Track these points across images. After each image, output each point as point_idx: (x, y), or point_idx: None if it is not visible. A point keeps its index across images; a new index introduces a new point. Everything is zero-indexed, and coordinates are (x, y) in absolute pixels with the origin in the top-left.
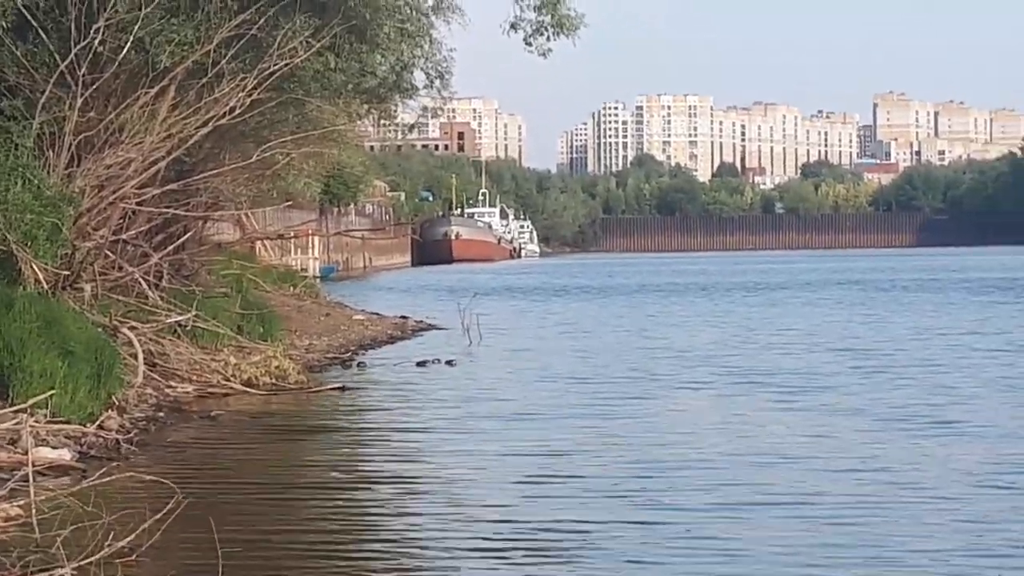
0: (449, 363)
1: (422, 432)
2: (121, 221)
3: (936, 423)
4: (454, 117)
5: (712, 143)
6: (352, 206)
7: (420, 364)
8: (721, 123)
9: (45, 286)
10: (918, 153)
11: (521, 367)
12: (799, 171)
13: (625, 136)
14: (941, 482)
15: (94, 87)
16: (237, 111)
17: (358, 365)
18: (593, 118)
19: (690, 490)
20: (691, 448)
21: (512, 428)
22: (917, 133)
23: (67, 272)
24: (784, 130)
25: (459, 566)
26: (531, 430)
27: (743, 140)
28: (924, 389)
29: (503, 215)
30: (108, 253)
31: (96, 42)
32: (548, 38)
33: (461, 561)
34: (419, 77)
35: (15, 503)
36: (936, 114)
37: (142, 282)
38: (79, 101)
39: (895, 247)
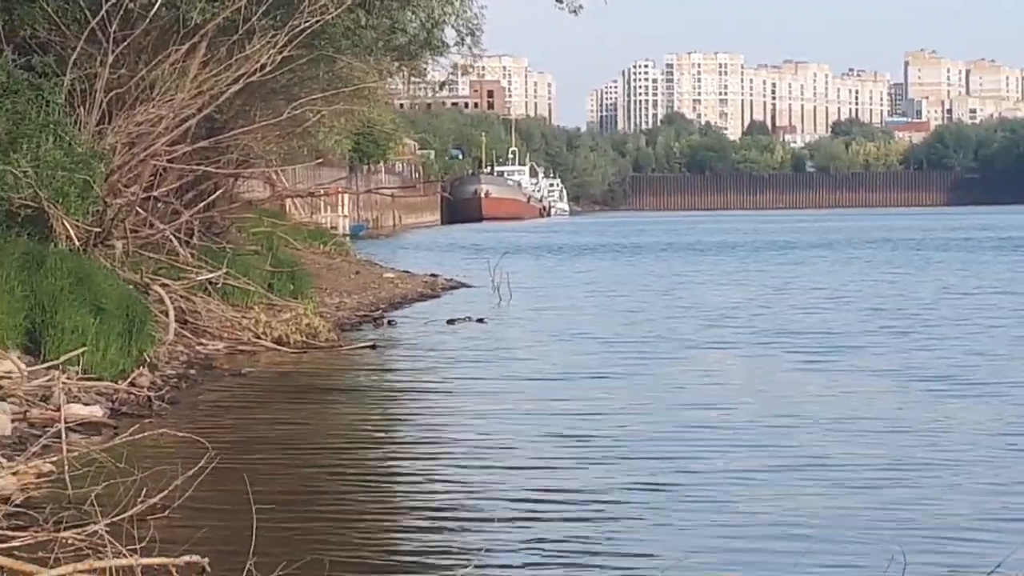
0: (480, 321)
1: (452, 392)
2: (152, 178)
3: (962, 383)
4: (484, 75)
5: (742, 101)
6: (382, 164)
7: (450, 322)
8: (751, 81)
9: (76, 243)
10: (949, 111)
11: (550, 326)
12: (829, 129)
13: (655, 94)
14: (965, 444)
15: (125, 44)
16: (268, 68)
17: (388, 323)
18: (623, 76)
19: (713, 454)
20: (716, 409)
21: (540, 388)
22: (948, 91)
23: (98, 229)
24: (815, 88)
25: (488, 527)
26: (560, 390)
27: (773, 98)
28: (951, 349)
29: (533, 173)
30: (139, 210)
31: None
32: None
33: (489, 523)
34: (449, 34)
35: (48, 459)
36: (967, 72)
37: (173, 239)
38: (110, 58)
39: (926, 206)
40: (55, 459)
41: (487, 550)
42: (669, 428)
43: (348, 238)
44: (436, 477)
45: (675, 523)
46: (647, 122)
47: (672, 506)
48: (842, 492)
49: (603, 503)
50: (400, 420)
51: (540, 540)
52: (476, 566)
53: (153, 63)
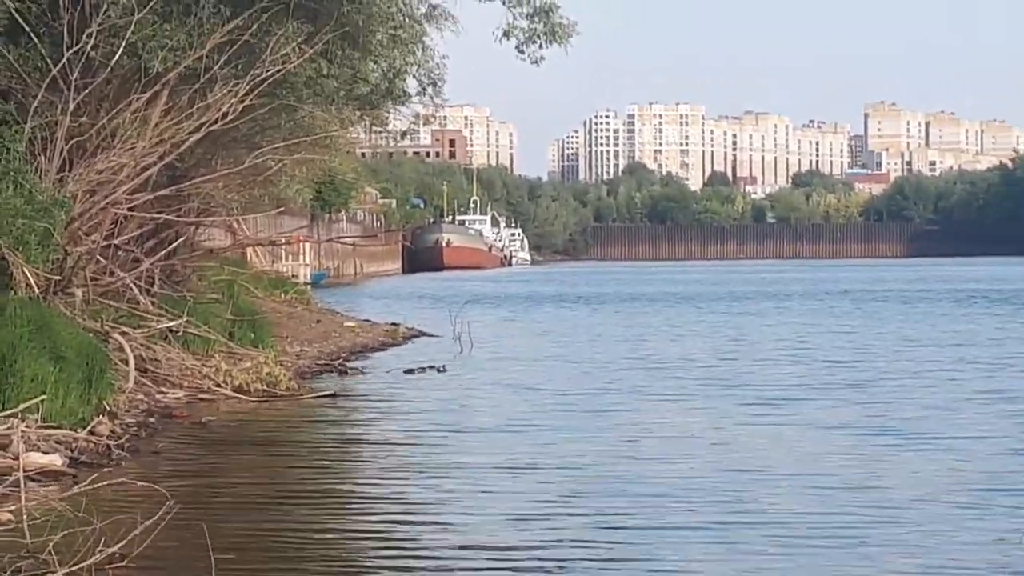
0: (440, 370)
1: (414, 442)
2: (113, 226)
3: (915, 436)
4: (446, 124)
5: (703, 152)
6: (343, 213)
7: (409, 372)
8: (712, 132)
9: (36, 291)
10: (909, 163)
11: (509, 376)
12: (790, 180)
13: (616, 144)
14: (918, 498)
15: (86, 92)
16: (229, 117)
17: (349, 372)
18: (585, 126)
19: (667, 511)
20: (669, 464)
21: (502, 440)
22: (908, 143)
23: (58, 277)
24: (775, 139)
25: None
26: (520, 442)
27: (734, 149)
28: (906, 401)
29: (494, 223)
30: (100, 258)
31: (89, 47)
32: (540, 46)
33: (452, 573)
34: (411, 84)
35: (6, 508)
36: (927, 124)
37: (133, 287)
38: (71, 106)
39: (886, 257)
40: (13, 508)
41: None
42: (619, 482)
43: (309, 287)
44: (395, 532)
45: None
46: (609, 172)
47: (609, 566)
48: (792, 548)
49: (558, 561)
50: (359, 472)
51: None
52: None
53: (114, 111)
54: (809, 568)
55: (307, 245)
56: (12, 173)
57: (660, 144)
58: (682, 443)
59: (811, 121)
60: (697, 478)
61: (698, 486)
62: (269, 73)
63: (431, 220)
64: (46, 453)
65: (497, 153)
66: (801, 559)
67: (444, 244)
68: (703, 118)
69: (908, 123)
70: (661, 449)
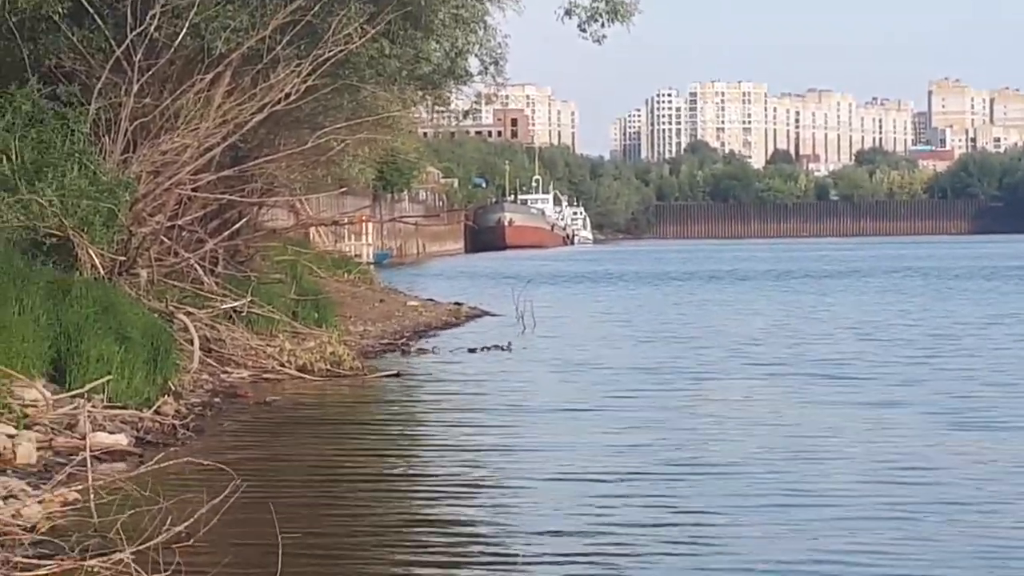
0: (504, 348)
1: (477, 422)
2: (176, 207)
3: (973, 419)
4: (508, 103)
5: (766, 130)
6: (406, 192)
7: (472, 351)
8: (775, 110)
9: (101, 272)
10: (973, 140)
11: (572, 356)
12: (853, 158)
13: (678, 123)
14: (976, 478)
15: (150, 73)
16: (292, 97)
17: (412, 351)
18: (646, 105)
19: (723, 492)
20: (727, 444)
21: (565, 421)
22: (972, 120)
23: (123, 258)
24: (838, 117)
25: (514, 567)
26: (581, 423)
27: (797, 127)
28: (972, 382)
29: (556, 202)
30: (164, 239)
31: (152, 28)
32: (602, 24)
33: (513, 563)
34: (473, 63)
35: (73, 487)
36: (992, 101)
37: (197, 268)
38: (135, 87)
39: (950, 234)
40: (81, 487)
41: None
42: (687, 467)
43: (372, 266)
44: (462, 513)
45: (685, 565)
46: (671, 151)
47: (679, 548)
48: (849, 529)
49: (622, 547)
50: (426, 452)
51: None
52: None
53: (178, 92)
54: (867, 548)
55: (370, 225)
56: (77, 155)
57: (722, 122)
58: (744, 423)
59: (874, 98)
60: (759, 459)
61: (760, 467)
62: (332, 53)
63: (493, 199)
64: (112, 433)
65: (559, 132)
66: (860, 538)
67: (506, 223)
68: (765, 96)
69: (972, 99)
70: (723, 429)
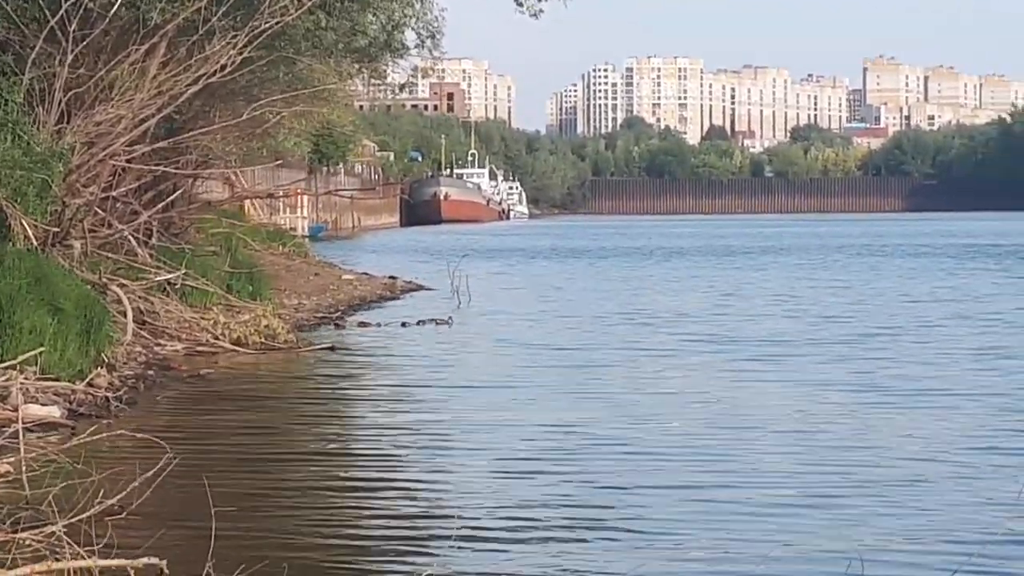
0: (440, 322)
1: (409, 397)
2: (111, 178)
3: (907, 393)
4: (444, 77)
5: (702, 106)
6: (341, 166)
7: (405, 324)
8: (711, 86)
9: (34, 242)
10: (908, 118)
11: (507, 331)
12: (788, 135)
13: (615, 98)
14: (907, 457)
15: (84, 43)
16: (228, 69)
17: (342, 325)
18: (583, 80)
19: (653, 470)
20: (659, 423)
21: (495, 396)
22: (907, 98)
23: (56, 229)
24: (774, 93)
25: (445, 544)
26: (513, 398)
27: (733, 103)
28: (899, 358)
29: (492, 176)
30: (98, 210)
31: None
32: None
33: (447, 538)
34: (410, 36)
35: (5, 460)
36: (926, 79)
37: (131, 240)
38: (69, 57)
39: (884, 212)
40: (12, 460)
41: (448, 548)
42: (609, 442)
43: (307, 239)
44: (394, 485)
45: (621, 540)
46: (607, 126)
47: (615, 524)
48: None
49: (553, 521)
50: (359, 422)
51: (508, 531)
52: None
53: (112, 63)
54: (794, 529)
55: (305, 198)
56: (10, 124)
57: (658, 98)
58: (672, 400)
59: (810, 75)
60: (687, 436)
61: (688, 445)
62: (268, 25)
63: (429, 173)
64: (44, 405)
65: (495, 106)
66: (787, 520)
67: (442, 197)
68: (701, 72)
69: (907, 77)
70: (651, 407)
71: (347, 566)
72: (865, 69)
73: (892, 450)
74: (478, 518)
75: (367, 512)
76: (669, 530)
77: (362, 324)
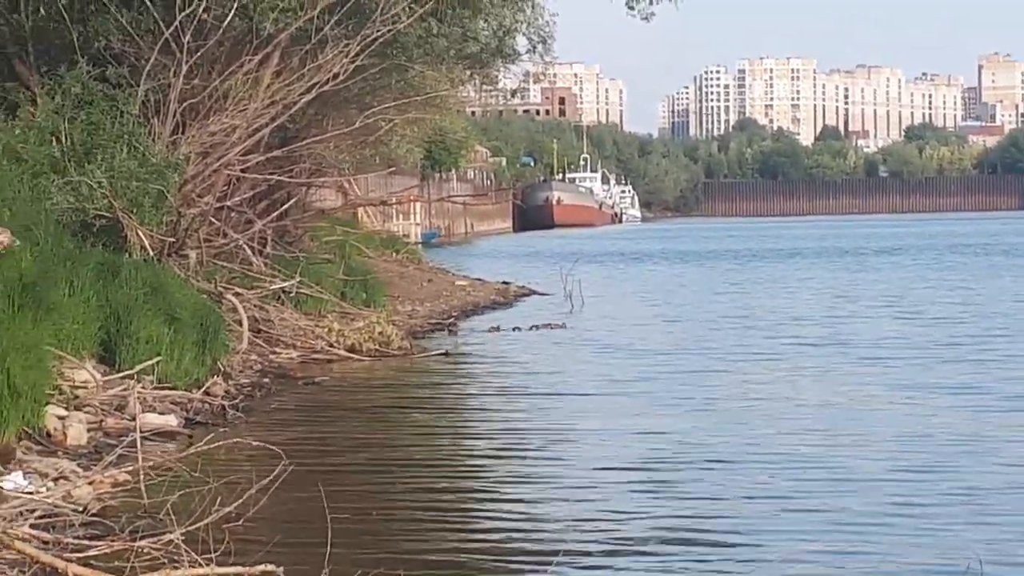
0: (554, 327)
1: (523, 404)
2: (225, 188)
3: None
4: (555, 82)
5: (815, 106)
6: (454, 172)
7: (518, 329)
8: (824, 86)
9: (151, 253)
10: (1023, 115)
11: (620, 336)
12: (903, 134)
13: (727, 100)
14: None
15: (199, 54)
16: (340, 77)
17: (499, 328)
18: (695, 82)
19: (753, 478)
20: (764, 430)
21: (609, 403)
22: (1022, 95)
23: (172, 239)
24: (887, 93)
25: (562, 548)
26: (627, 406)
27: (846, 103)
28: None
29: (604, 180)
30: (213, 220)
31: (200, 9)
32: (650, 2)
33: (563, 544)
34: (521, 42)
35: (123, 468)
36: None
37: (246, 248)
38: (184, 68)
39: (1001, 210)
40: (131, 468)
41: (565, 552)
42: (730, 448)
43: (420, 246)
44: (514, 485)
45: (727, 554)
46: (719, 128)
47: (718, 538)
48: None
49: (667, 532)
50: (475, 432)
51: (624, 542)
52: None
53: (226, 73)
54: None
55: (418, 204)
56: (126, 136)
57: (771, 99)
58: (779, 408)
59: (924, 74)
60: (796, 446)
61: (796, 454)
62: (380, 33)
63: (541, 178)
64: (162, 414)
65: (607, 110)
66: (896, 530)
67: (555, 202)
68: (814, 72)
69: (1022, 74)
70: (757, 413)
71: (463, 573)
72: (980, 67)
73: (999, 455)
74: (587, 531)
75: (483, 519)
76: (773, 541)
77: (492, 329)
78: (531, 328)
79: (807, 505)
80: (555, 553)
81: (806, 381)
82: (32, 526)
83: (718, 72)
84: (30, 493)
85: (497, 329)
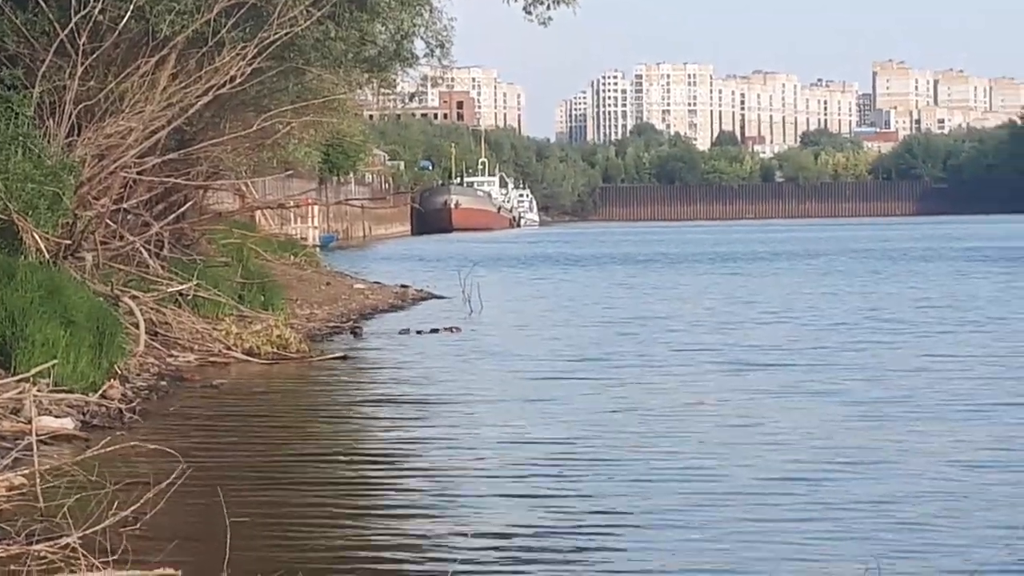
0: (451, 330)
1: (420, 411)
2: (122, 190)
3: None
4: (453, 86)
5: (711, 112)
6: (352, 175)
7: (417, 332)
8: (720, 92)
9: (46, 255)
10: (918, 122)
11: (517, 340)
12: (798, 140)
13: (624, 105)
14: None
15: (94, 56)
16: (237, 80)
17: (356, 334)
18: (592, 87)
19: (645, 490)
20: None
21: (508, 405)
22: (916, 102)
23: (68, 241)
24: (783, 98)
25: (462, 541)
26: (522, 413)
27: (742, 109)
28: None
29: (502, 184)
30: (109, 222)
31: (96, 11)
32: (548, 7)
33: (463, 536)
34: (419, 46)
35: (19, 472)
36: (936, 83)
37: (143, 251)
38: (79, 70)
39: (895, 216)
40: (26, 472)
41: (462, 561)
42: (621, 457)
43: (318, 249)
44: (408, 490)
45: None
46: (617, 133)
47: (618, 545)
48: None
49: (569, 541)
50: (371, 432)
51: (516, 550)
52: None
53: (122, 75)
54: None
55: (316, 208)
56: (21, 138)
57: (668, 104)
58: (679, 414)
59: (819, 80)
60: (690, 456)
61: (691, 464)
62: (277, 36)
63: (439, 182)
64: (58, 417)
65: (505, 114)
66: (787, 536)
67: (453, 206)
68: (711, 77)
69: (916, 81)
70: (650, 421)
71: (361, 573)
72: (875, 73)
73: (903, 464)
74: (482, 539)
75: (381, 517)
76: (661, 550)
77: (403, 332)
78: (431, 331)
79: (697, 514)
80: (452, 561)
81: (702, 386)
82: None
83: (616, 77)
84: None
85: (407, 332)
